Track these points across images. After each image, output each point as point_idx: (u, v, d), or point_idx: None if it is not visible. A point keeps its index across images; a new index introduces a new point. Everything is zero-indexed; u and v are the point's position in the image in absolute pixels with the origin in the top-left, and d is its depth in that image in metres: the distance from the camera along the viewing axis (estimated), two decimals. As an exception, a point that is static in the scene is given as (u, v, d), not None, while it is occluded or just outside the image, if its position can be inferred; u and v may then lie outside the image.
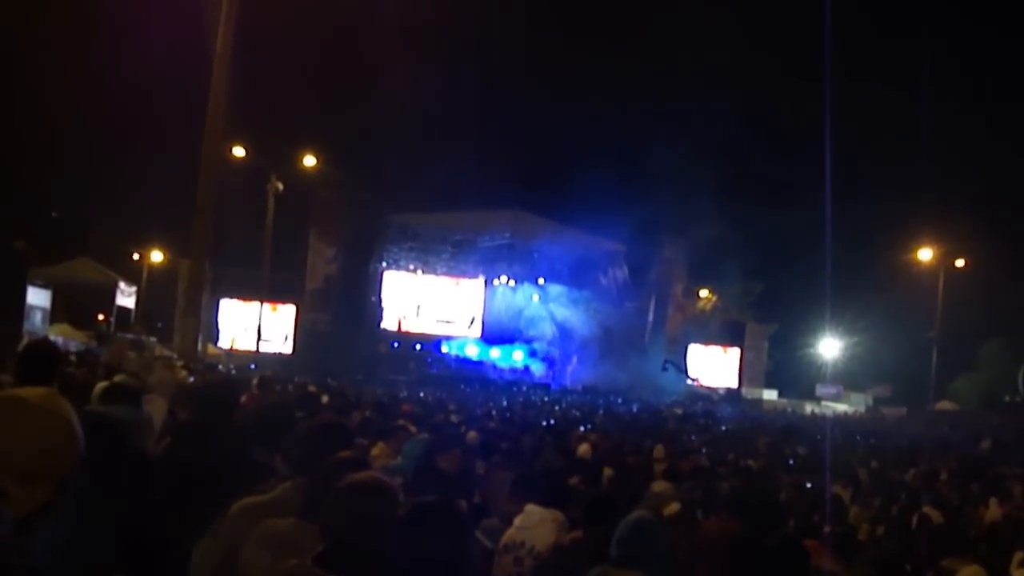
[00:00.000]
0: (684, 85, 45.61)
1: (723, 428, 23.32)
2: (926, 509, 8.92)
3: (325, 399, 12.23)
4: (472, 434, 8.85)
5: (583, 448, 11.45)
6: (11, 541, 2.16)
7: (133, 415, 4.84)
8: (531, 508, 5.14)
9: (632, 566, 3.69)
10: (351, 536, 2.81)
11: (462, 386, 36.44)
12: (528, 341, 48.64)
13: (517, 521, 5.11)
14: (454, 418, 13.74)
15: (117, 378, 7.51)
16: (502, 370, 46.32)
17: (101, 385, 7.70)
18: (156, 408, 6.49)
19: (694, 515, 6.54)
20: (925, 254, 44.35)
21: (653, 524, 3.96)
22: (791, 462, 14.02)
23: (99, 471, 3.26)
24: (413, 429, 8.29)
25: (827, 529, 7.65)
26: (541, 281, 48.62)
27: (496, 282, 48.78)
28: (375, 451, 7.17)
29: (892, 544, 7.80)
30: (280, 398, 5.58)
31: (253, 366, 27.02)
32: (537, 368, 48.12)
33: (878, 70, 47.74)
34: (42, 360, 5.25)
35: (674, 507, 7.44)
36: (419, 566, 2.83)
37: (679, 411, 29.78)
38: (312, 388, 15.90)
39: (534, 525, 5.03)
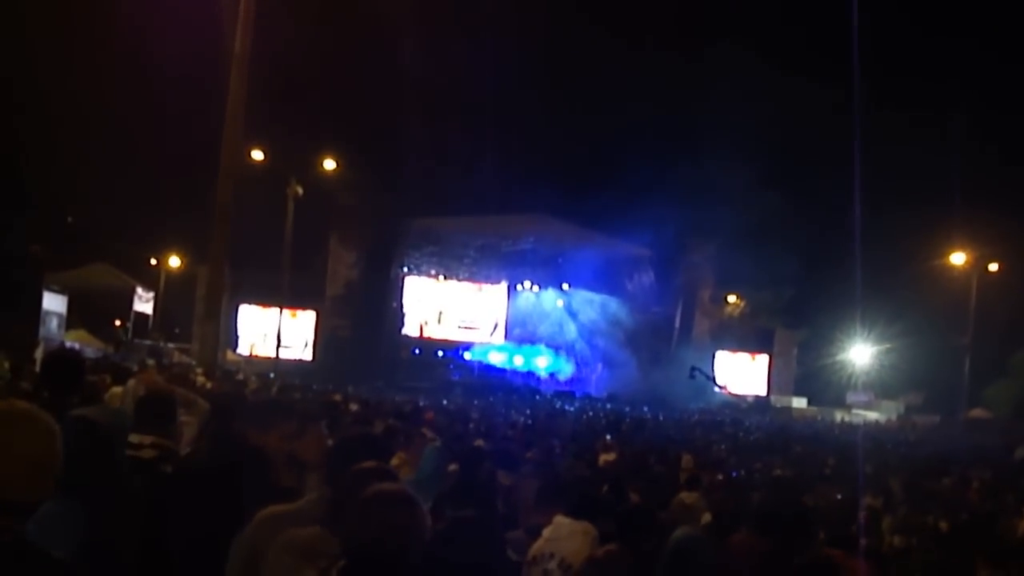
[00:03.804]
0: (713, 88, 45.12)
1: (752, 437, 22.96)
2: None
3: (354, 407, 12.06)
4: (479, 441, 8.59)
5: (608, 457, 11.26)
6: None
7: (116, 417, 4.59)
8: (560, 519, 5.03)
9: None
10: (375, 547, 2.76)
11: (486, 394, 36.13)
12: (552, 348, 48.35)
13: (546, 533, 5.00)
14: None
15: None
16: (526, 377, 45.96)
17: (117, 390, 7.55)
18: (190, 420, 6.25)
19: (725, 527, 6.37)
20: (958, 258, 43.67)
21: (702, 542, 3.71)
22: (822, 472, 13.72)
23: (97, 474, 3.38)
24: (430, 435, 8.16)
25: (862, 541, 7.34)
26: (565, 286, 48.41)
27: (519, 287, 48.59)
28: (395, 460, 7.13)
29: (924, 555, 7.57)
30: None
31: (272, 374, 26.80)
32: (561, 375, 47.81)
33: (910, 73, 47.08)
34: (67, 369, 5.08)
35: (706, 517, 7.21)
36: None
37: (706, 419, 29.41)
38: (337, 397, 15.71)
39: (564, 537, 4.92)
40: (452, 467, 7.22)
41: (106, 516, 3.30)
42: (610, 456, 11.27)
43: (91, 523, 3.22)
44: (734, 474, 11.24)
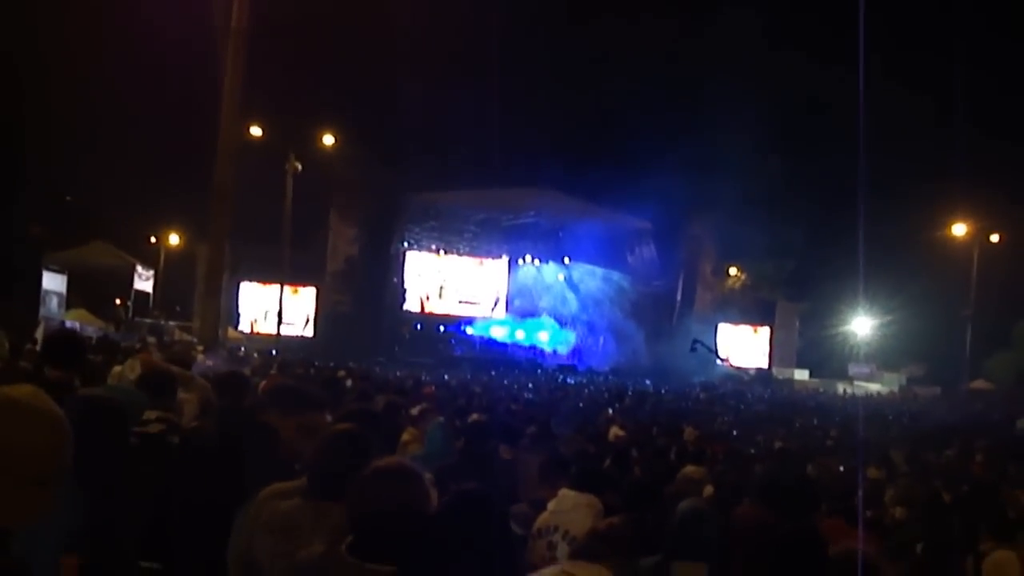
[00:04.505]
0: (715, 61, 44.91)
1: (754, 409, 23.00)
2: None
3: (350, 383, 12.05)
4: (475, 416, 8.57)
5: (612, 431, 11.27)
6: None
7: (134, 396, 4.69)
8: (565, 492, 5.05)
9: (689, 557, 3.60)
10: (378, 522, 2.78)
11: (488, 368, 36.16)
12: (554, 321, 48.34)
13: (551, 505, 5.03)
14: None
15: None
16: (528, 351, 45.99)
17: (117, 369, 7.55)
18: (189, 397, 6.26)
19: (728, 499, 6.38)
20: (959, 229, 43.60)
21: (708, 514, 3.69)
22: (824, 444, 13.76)
23: (105, 455, 3.31)
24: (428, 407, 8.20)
25: (866, 513, 7.38)
26: (567, 260, 48.33)
27: (521, 261, 48.49)
28: (405, 436, 7.20)
29: (926, 526, 7.58)
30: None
31: (274, 351, 26.78)
32: (563, 349, 47.83)
33: (912, 45, 46.80)
34: (66, 348, 5.14)
35: (708, 490, 7.22)
36: (458, 554, 2.78)
37: (708, 391, 29.43)
38: (341, 373, 15.68)
39: (568, 510, 4.94)
40: (459, 443, 7.22)
41: (109, 499, 3.28)
42: (620, 432, 11.28)
43: (93, 507, 3.21)
44: (737, 446, 11.25)
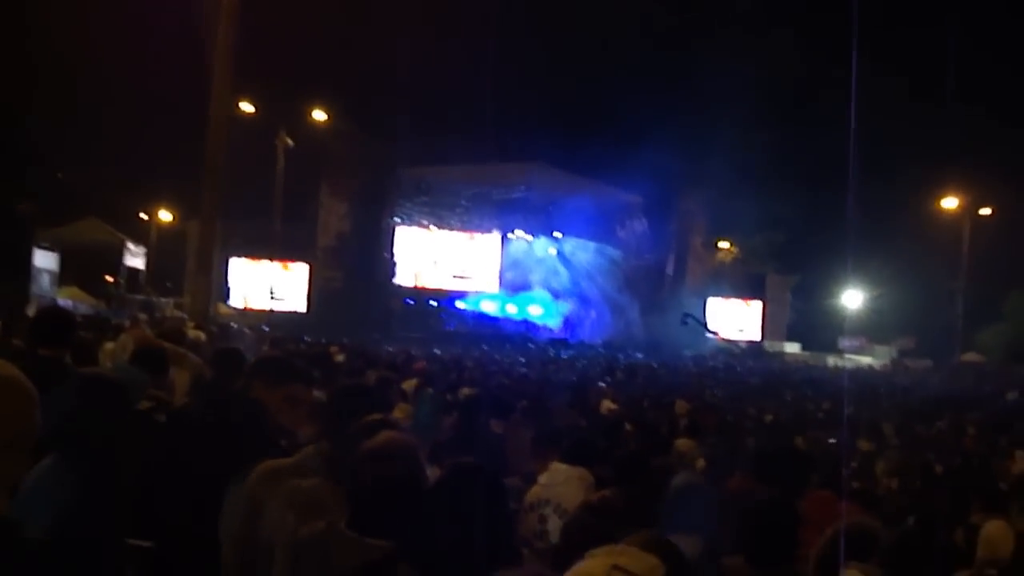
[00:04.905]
0: (706, 36, 44.74)
1: (744, 382, 23.05)
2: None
3: (340, 358, 12.04)
4: (466, 390, 8.59)
5: (604, 404, 11.28)
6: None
7: (135, 375, 4.69)
8: (557, 466, 5.06)
9: (683, 531, 3.52)
10: (375, 499, 2.82)
11: (479, 342, 36.18)
12: (545, 296, 48.34)
13: (542, 479, 5.05)
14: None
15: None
16: (519, 325, 46.01)
17: (109, 346, 7.55)
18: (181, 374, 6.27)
19: (720, 472, 6.45)
20: (950, 203, 43.67)
21: (703, 488, 3.70)
22: (815, 416, 13.80)
23: (100, 435, 3.36)
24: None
25: (857, 485, 7.41)
26: (558, 235, 48.24)
27: (511, 236, 48.41)
28: (397, 413, 7.15)
29: (917, 498, 7.64)
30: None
31: (266, 327, 26.76)
32: (555, 323, 47.87)
33: (904, 19, 46.64)
34: (56, 325, 5.17)
35: (699, 463, 7.25)
36: (456, 528, 2.75)
37: (698, 366, 29.49)
38: (333, 348, 15.68)
39: (560, 483, 4.95)
40: (451, 417, 7.24)
41: (98, 477, 3.28)
42: (612, 405, 11.30)
43: (82, 484, 3.20)
44: (729, 419, 11.27)
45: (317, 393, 4.64)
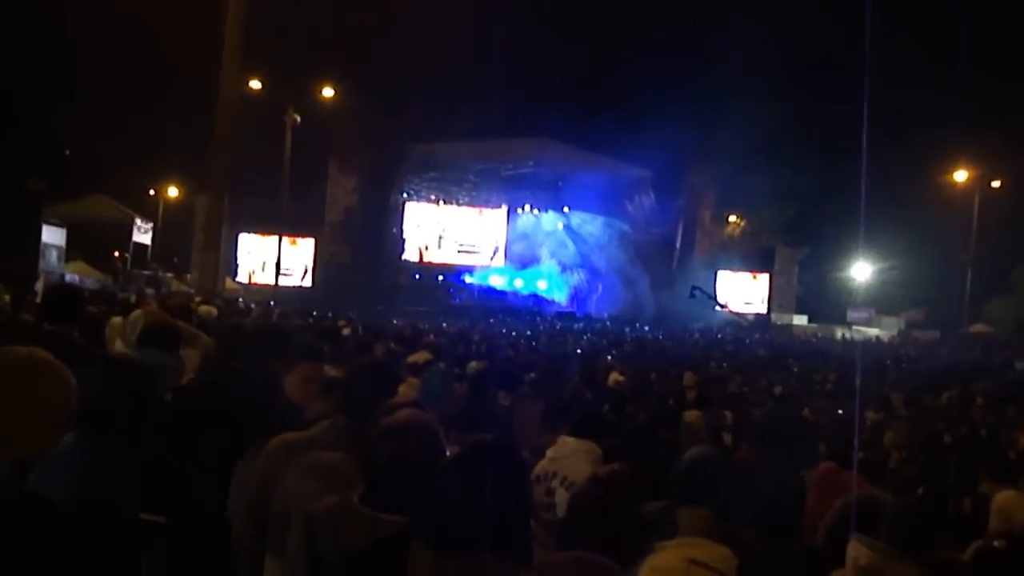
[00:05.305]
0: (715, 8, 44.42)
1: (753, 354, 23.05)
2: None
3: (346, 331, 12.03)
4: (474, 363, 8.57)
5: (613, 377, 11.26)
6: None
7: (165, 361, 4.74)
8: (564, 439, 5.05)
9: (696, 504, 3.47)
10: (390, 475, 2.83)
11: (486, 317, 36.22)
12: (553, 268, 48.35)
13: (550, 452, 5.04)
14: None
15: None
16: (526, 299, 46.03)
17: (116, 320, 7.52)
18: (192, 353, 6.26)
19: (728, 444, 6.55)
20: (960, 175, 43.44)
21: (717, 460, 3.72)
22: (823, 388, 13.80)
23: (125, 418, 3.41)
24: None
25: (865, 456, 7.39)
26: (566, 209, 48.19)
27: (519, 211, 48.35)
28: (404, 387, 7.13)
29: (925, 469, 7.62)
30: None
31: (272, 303, 26.81)
32: (562, 297, 47.91)
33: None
34: (65, 302, 5.20)
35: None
36: (471, 506, 2.67)
37: (707, 337, 29.47)
38: (341, 322, 15.70)
39: (568, 456, 4.96)
40: (460, 388, 7.24)
41: (117, 454, 3.30)
42: (620, 377, 11.28)
43: (94, 460, 3.23)
44: (737, 390, 11.29)
45: (328, 368, 4.64)
